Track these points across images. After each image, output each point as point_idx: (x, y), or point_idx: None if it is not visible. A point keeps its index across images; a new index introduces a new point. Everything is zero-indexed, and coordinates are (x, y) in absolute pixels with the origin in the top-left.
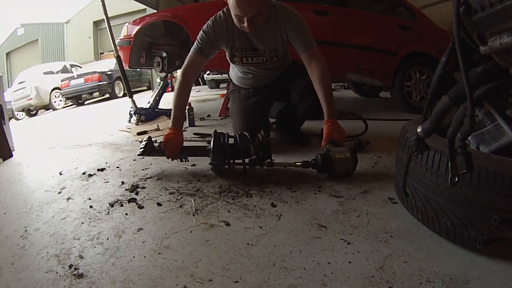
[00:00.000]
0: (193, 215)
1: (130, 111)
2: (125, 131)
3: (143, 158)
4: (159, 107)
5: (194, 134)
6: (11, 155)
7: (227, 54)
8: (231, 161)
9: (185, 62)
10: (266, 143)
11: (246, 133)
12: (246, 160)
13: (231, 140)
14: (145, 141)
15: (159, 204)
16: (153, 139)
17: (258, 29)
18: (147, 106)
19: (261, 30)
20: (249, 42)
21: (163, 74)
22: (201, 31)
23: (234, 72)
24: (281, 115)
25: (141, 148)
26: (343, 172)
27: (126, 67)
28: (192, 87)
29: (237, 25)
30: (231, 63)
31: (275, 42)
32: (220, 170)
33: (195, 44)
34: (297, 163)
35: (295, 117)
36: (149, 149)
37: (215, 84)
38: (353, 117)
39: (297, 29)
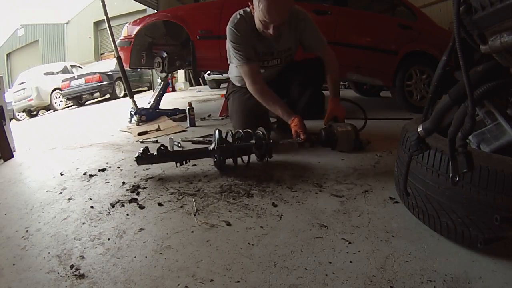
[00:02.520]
0: (194, 215)
1: (131, 111)
2: (125, 131)
3: None
4: (160, 107)
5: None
6: (12, 156)
7: None
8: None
9: (247, 77)
10: (267, 134)
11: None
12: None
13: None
14: (142, 150)
15: (160, 204)
16: (154, 139)
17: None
18: (148, 107)
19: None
20: (269, 46)
21: (164, 74)
22: (231, 42)
23: (235, 72)
24: None
25: (139, 152)
26: (345, 146)
27: (126, 68)
28: (192, 87)
29: (259, 29)
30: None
31: (290, 42)
32: (222, 164)
33: (237, 58)
34: (299, 140)
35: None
36: (145, 157)
37: (216, 84)
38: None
39: (310, 29)
